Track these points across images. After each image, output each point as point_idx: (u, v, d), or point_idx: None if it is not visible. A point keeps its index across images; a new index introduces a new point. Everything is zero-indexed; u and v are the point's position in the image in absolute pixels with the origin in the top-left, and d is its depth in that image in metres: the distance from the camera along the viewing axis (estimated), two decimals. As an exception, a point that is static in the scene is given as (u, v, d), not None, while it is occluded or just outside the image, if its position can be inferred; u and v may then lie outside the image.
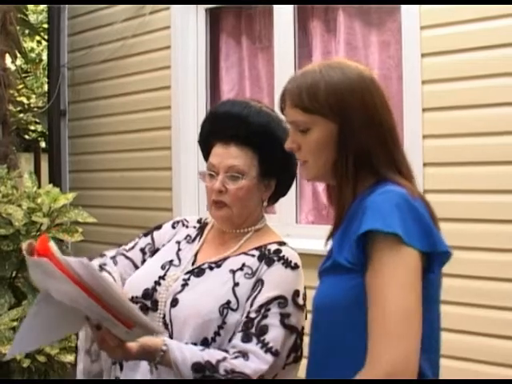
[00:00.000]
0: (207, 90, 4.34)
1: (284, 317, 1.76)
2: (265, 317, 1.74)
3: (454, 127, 3.11)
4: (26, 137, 7.33)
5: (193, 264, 1.91)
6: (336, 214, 1.54)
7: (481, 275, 2.97)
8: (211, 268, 1.86)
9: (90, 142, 4.99)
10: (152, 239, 2.03)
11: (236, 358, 1.69)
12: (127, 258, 2.00)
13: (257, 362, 1.69)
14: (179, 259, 1.93)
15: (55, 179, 4.99)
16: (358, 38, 3.69)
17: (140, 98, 4.57)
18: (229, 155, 1.88)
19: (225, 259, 1.88)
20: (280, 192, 2.00)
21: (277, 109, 1.70)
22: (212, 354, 1.69)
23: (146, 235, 2.06)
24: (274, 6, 3.92)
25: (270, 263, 1.83)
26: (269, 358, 1.70)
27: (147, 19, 4.50)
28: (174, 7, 4.31)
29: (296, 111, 1.53)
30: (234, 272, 1.83)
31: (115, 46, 4.69)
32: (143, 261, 2.00)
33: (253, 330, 1.73)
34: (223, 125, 1.91)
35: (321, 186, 3.81)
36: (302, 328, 1.82)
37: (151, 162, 4.49)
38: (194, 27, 4.33)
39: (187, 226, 2.04)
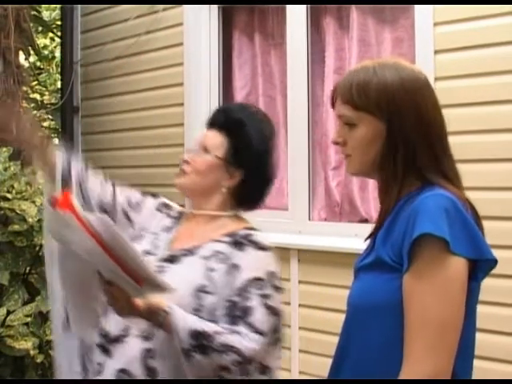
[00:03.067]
0: (220, 86, 4.34)
1: (264, 298, 1.84)
2: (246, 299, 1.83)
3: (468, 124, 3.10)
4: (40, 133, 7.34)
5: (167, 252, 2.00)
6: (380, 213, 1.54)
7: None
8: (185, 255, 1.96)
9: (102, 138, 5.00)
10: (143, 200, 2.18)
11: (231, 333, 1.77)
12: (114, 189, 2.16)
13: (249, 342, 1.77)
14: (155, 248, 2.02)
15: (68, 176, 5.00)
16: (371, 34, 3.68)
17: (152, 94, 4.58)
18: (205, 136, 2.10)
19: (198, 246, 1.97)
20: (249, 195, 2.07)
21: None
22: (210, 326, 1.78)
23: (142, 194, 2.23)
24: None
25: (241, 248, 1.93)
26: (257, 338, 1.79)
27: (160, 16, 4.50)
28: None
29: (345, 107, 1.53)
30: (207, 258, 1.92)
31: (128, 43, 4.70)
32: (123, 210, 2.12)
33: (237, 313, 1.81)
34: (216, 115, 2.14)
35: (334, 183, 3.81)
36: (281, 309, 1.91)
37: (164, 158, 4.50)
38: (207, 24, 4.33)
39: (168, 215, 2.15)
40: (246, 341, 1.77)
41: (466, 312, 1.39)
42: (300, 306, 3.66)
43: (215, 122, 2.09)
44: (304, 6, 3.84)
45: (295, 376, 3.68)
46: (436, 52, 3.21)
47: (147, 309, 1.69)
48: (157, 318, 1.73)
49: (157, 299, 1.74)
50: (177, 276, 1.87)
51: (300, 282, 3.66)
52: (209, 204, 2.04)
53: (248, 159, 2.04)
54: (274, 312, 1.85)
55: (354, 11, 3.69)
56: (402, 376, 1.36)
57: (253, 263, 1.89)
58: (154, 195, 2.23)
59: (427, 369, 1.33)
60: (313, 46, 3.89)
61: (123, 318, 1.76)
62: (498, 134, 3.04)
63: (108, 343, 1.89)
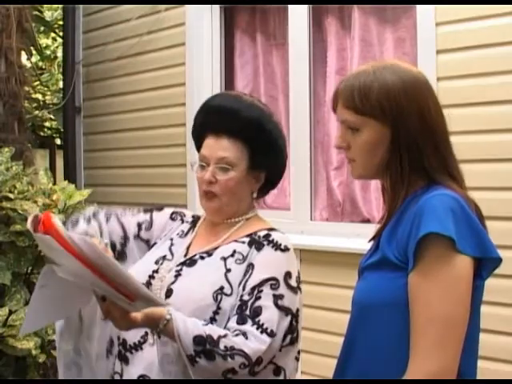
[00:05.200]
0: (222, 87, 4.34)
1: (277, 298, 1.77)
2: (258, 298, 1.77)
3: (470, 124, 3.10)
4: (42, 133, 7.36)
5: (185, 256, 1.95)
6: (386, 214, 1.55)
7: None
8: (202, 258, 1.91)
9: (104, 138, 5.01)
10: (151, 218, 2.08)
11: (237, 335, 1.71)
12: (120, 223, 2.05)
13: (255, 342, 1.70)
14: (172, 253, 1.97)
15: (70, 176, 5.01)
16: (373, 34, 3.68)
17: (155, 94, 4.58)
18: (220, 147, 1.91)
19: (216, 248, 1.92)
20: (270, 184, 2.04)
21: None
22: (214, 330, 1.71)
23: (145, 212, 2.10)
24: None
25: (259, 247, 1.86)
26: (265, 338, 1.72)
27: (162, 16, 4.50)
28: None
29: (347, 111, 1.53)
30: (225, 259, 1.87)
31: (130, 43, 4.70)
32: (137, 235, 2.05)
33: (247, 312, 1.75)
34: (215, 117, 1.94)
35: (335, 183, 3.81)
36: (297, 310, 1.83)
37: (166, 158, 4.51)
38: (209, 24, 4.33)
39: (183, 221, 2.09)
40: (251, 342, 1.70)
41: (471, 310, 1.39)
42: (302, 305, 3.66)
43: (227, 129, 1.92)
44: (306, 6, 3.84)
45: (297, 376, 3.67)
46: (438, 52, 3.22)
47: (146, 319, 1.65)
48: (157, 326, 1.68)
49: (156, 308, 1.68)
50: (195, 279, 1.84)
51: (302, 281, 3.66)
52: (237, 212, 1.96)
53: (272, 157, 1.97)
54: (287, 312, 1.78)
55: (356, 11, 3.69)
56: (408, 373, 1.36)
57: (269, 263, 1.83)
58: (159, 208, 2.13)
59: (433, 366, 1.33)
60: (315, 46, 3.89)
61: (122, 330, 1.74)
62: (500, 134, 3.04)
63: (126, 351, 1.87)
